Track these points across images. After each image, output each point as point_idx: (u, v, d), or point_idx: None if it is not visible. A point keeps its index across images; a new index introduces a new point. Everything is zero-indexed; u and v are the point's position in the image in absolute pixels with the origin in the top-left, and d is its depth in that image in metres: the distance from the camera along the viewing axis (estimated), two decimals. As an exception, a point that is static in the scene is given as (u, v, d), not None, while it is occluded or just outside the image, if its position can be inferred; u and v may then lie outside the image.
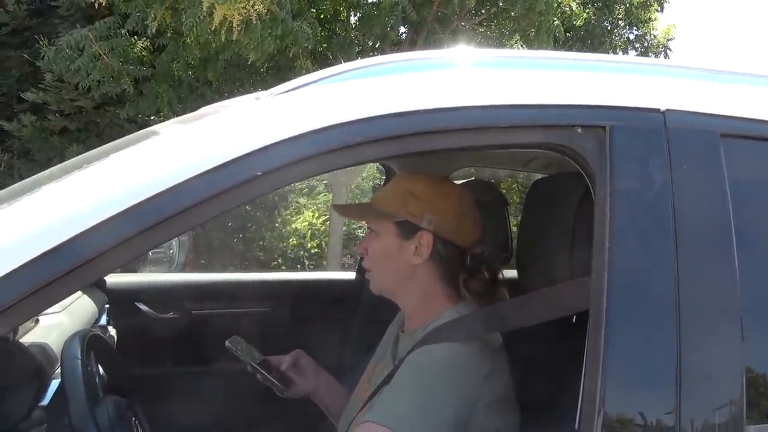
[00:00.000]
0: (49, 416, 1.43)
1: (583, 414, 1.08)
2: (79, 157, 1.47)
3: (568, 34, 8.19)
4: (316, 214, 8.52)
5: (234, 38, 5.40)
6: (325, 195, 8.64)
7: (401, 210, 1.44)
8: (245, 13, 5.19)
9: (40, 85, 7.88)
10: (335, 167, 1.11)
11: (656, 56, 9.99)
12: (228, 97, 6.01)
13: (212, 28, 5.34)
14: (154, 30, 5.87)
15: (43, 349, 1.59)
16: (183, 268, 3.09)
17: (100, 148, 1.49)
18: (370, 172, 7.42)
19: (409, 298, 1.49)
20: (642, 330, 1.11)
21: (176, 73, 6.58)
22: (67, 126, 8.24)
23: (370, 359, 1.65)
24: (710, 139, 1.17)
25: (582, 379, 1.10)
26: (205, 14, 5.32)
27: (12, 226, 0.98)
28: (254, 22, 5.29)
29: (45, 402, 1.51)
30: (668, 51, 10.41)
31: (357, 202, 6.92)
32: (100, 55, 6.21)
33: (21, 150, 8.57)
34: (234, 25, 5.24)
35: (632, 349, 1.10)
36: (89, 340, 1.36)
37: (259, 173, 1.02)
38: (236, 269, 7.49)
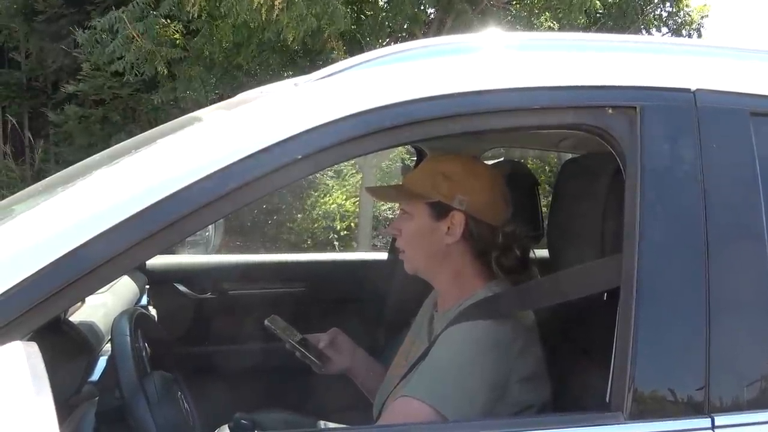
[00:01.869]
0: (99, 390, 1.49)
1: (613, 389, 1.11)
2: (127, 141, 1.52)
3: (599, 13, 8.03)
4: (345, 196, 8.53)
5: (275, 17, 5.38)
6: (354, 176, 8.64)
7: (433, 191, 1.47)
8: None
9: (78, 77, 7.97)
10: (373, 150, 1.14)
11: (689, 34, 9.75)
12: (260, 80, 6.02)
13: (254, 7, 5.33)
14: (196, 14, 5.88)
15: (90, 327, 1.65)
16: (219, 250, 3.15)
17: (146, 132, 1.53)
18: (400, 152, 7.39)
19: (443, 277, 1.52)
20: (672, 307, 1.12)
21: (208, 55, 6.60)
22: (106, 115, 8.35)
23: (404, 338, 1.69)
24: (740, 118, 1.18)
25: (613, 355, 1.13)
26: None
27: (79, 203, 1.04)
28: (296, 1, 5.28)
29: (94, 378, 1.58)
30: (701, 29, 10.15)
31: (386, 183, 6.93)
32: (134, 36, 6.24)
33: (60, 137, 8.71)
34: (276, 3, 5.23)
35: (662, 326, 1.12)
36: (136, 318, 1.41)
37: (300, 156, 1.06)
38: (269, 251, 7.56)
